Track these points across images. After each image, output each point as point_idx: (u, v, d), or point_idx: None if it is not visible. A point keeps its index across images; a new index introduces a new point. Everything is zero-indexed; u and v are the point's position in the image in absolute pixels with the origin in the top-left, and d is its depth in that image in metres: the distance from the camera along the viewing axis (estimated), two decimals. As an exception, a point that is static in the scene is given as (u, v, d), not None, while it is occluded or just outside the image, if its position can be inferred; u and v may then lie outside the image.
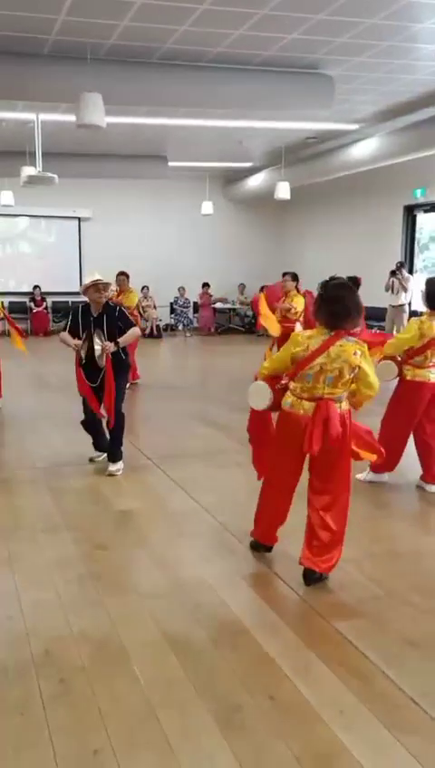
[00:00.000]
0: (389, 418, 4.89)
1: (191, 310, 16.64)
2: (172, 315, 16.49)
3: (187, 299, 16.48)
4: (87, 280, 5.23)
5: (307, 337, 3.33)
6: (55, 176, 9.16)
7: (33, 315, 15.60)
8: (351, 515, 3.48)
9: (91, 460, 5.58)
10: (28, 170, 9.76)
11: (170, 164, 13.51)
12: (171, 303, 16.45)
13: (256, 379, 3.58)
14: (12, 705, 2.46)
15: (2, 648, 2.84)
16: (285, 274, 8.41)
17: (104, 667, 2.71)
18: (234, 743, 2.26)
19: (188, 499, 4.70)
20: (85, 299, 5.25)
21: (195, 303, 16.69)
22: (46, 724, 2.35)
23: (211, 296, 16.57)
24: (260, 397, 3.52)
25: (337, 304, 3.25)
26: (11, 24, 6.22)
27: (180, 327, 16.33)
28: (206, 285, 16.45)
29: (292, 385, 3.41)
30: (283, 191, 11.87)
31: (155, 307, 15.68)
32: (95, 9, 5.90)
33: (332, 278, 3.41)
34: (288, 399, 3.42)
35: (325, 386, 3.29)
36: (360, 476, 4.96)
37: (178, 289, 16.28)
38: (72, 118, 7.14)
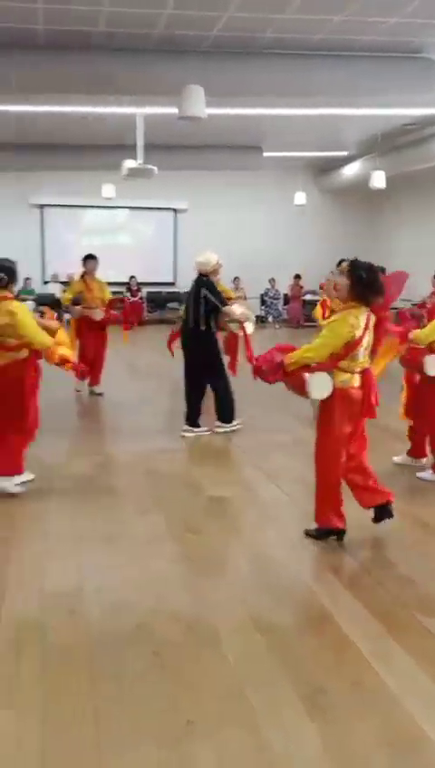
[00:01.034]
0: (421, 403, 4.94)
1: (281, 301, 16.60)
2: (262, 307, 16.51)
3: (277, 290, 16.45)
4: (212, 258, 5.84)
5: (355, 317, 3.52)
6: (155, 168, 9.39)
7: (128, 305, 16.05)
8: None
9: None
10: (129, 163, 10.04)
11: (265, 154, 13.51)
12: (262, 295, 16.47)
13: (282, 368, 3.59)
14: (107, 674, 2.59)
15: (98, 620, 3.00)
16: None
17: (194, 644, 2.81)
18: (319, 723, 2.31)
19: (276, 489, 4.75)
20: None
21: (285, 295, 16.64)
22: (141, 693, 2.47)
23: (302, 288, 16.46)
24: (324, 387, 3.58)
25: (376, 283, 3.56)
26: (119, 21, 6.42)
27: (270, 319, 16.33)
28: (297, 277, 16.37)
29: (342, 364, 3.56)
30: (378, 180, 11.64)
31: (245, 298, 15.74)
32: (201, 1, 6.00)
33: (356, 260, 3.64)
34: (342, 377, 3.57)
35: (366, 357, 3.66)
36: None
37: (269, 280, 16.29)
38: (173, 110, 7.30)
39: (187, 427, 6.01)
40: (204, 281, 5.85)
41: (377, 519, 3.82)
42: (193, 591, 3.25)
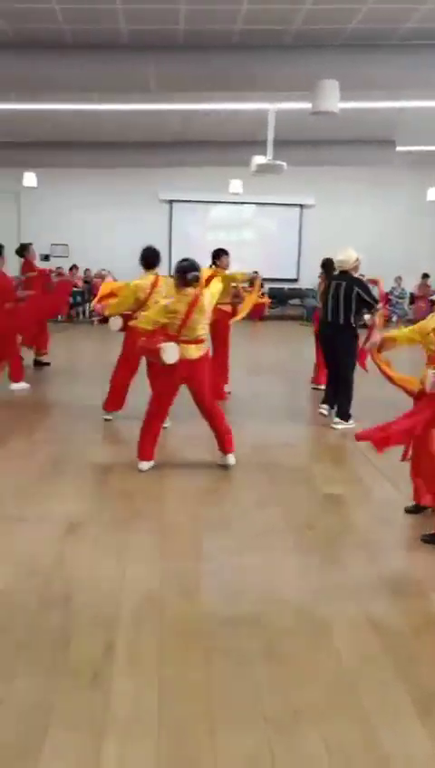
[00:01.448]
0: None
1: (407, 301, 16.09)
2: (387, 306, 16.06)
3: (403, 289, 15.97)
4: (352, 255, 6.07)
5: None
6: (284, 164, 9.40)
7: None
8: None
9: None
10: (258, 159, 10.11)
11: (398, 149, 13.12)
12: (387, 293, 16.03)
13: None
14: (221, 654, 2.68)
15: (213, 602, 3.10)
16: None
17: (308, 636, 2.84)
18: (430, 728, 2.27)
19: (392, 489, 4.65)
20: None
21: (411, 295, 16.11)
22: (252, 676, 2.54)
23: (429, 287, 15.87)
24: None
25: None
26: (257, 19, 6.49)
27: (394, 318, 15.87)
28: (425, 276, 15.80)
29: None
30: None
31: (370, 296, 15.40)
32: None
33: None
34: None
35: None
36: None
37: (395, 279, 15.83)
38: (304, 105, 7.28)
39: (326, 406, 6.42)
40: (355, 279, 6.13)
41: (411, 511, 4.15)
42: (308, 585, 3.27)
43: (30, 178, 14.02)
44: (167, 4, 6.21)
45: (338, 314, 6.11)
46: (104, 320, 6.11)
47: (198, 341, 4.72)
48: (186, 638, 2.78)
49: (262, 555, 3.58)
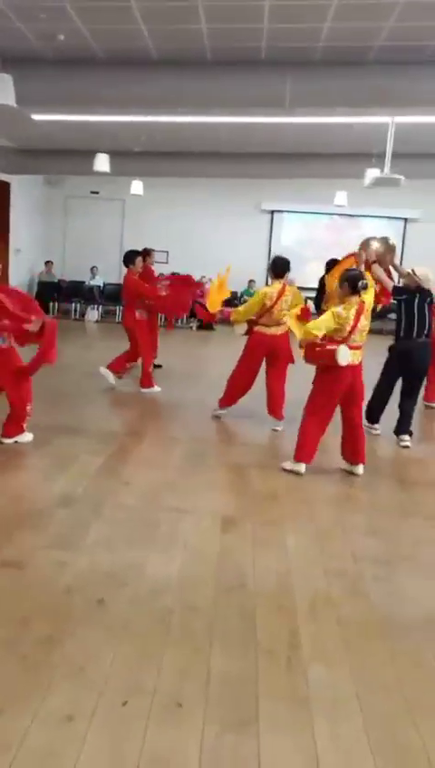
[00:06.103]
0: None
1: None
2: None
3: None
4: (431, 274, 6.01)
5: None
6: (402, 177, 9.37)
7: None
8: None
9: None
10: (373, 172, 10.12)
11: None
12: None
13: None
14: (406, 656, 2.80)
15: (388, 607, 3.21)
16: None
17: None
18: None
19: None
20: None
21: None
22: (439, 674, 2.65)
23: None
24: None
25: None
26: (400, 35, 6.58)
27: None
28: None
29: None
30: None
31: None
32: None
33: None
34: None
35: None
36: None
37: None
38: (425, 119, 7.25)
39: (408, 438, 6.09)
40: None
41: None
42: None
43: (137, 186, 14.49)
44: (311, 23, 6.39)
45: (420, 330, 5.94)
46: (206, 326, 6.32)
47: (360, 347, 4.90)
48: (367, 637, 2.90)
49: (414, 565, 3.67)
